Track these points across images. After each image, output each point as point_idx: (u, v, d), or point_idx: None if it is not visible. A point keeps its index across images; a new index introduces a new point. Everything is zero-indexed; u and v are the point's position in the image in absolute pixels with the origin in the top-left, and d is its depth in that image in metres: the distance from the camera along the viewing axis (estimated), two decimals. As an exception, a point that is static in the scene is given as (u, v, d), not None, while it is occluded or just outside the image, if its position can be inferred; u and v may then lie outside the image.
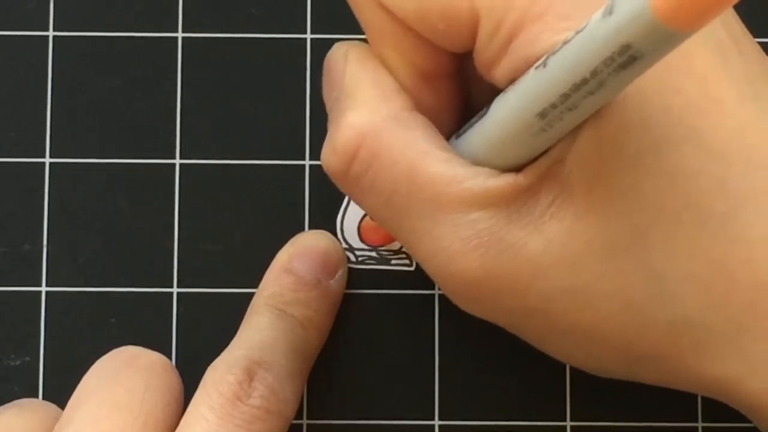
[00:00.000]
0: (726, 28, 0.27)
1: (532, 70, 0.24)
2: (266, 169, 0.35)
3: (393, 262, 0.35)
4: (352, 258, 0.35)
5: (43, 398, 0.34)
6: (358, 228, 0.35)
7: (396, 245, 0.35)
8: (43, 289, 0.35)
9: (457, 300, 0.28)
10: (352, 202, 0.35)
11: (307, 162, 0.35)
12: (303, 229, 0.35)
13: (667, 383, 0.29)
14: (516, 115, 0.25)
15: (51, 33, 0.35)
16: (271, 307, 0.32)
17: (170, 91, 0.35)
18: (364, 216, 0.35)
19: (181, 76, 0.35)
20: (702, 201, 0.26)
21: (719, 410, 0.33)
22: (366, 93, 0.28)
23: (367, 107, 0.27)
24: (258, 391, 0.30)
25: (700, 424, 0.34)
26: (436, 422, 0.34)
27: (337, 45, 0.29)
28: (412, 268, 0.35)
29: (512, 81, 0.26)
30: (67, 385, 0.34)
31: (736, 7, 0.27)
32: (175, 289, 0.35)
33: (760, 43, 0.28)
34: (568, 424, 0.34)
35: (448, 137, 0.28)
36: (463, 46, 0.27)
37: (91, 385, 0.30)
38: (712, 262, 0.26)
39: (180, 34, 0.35)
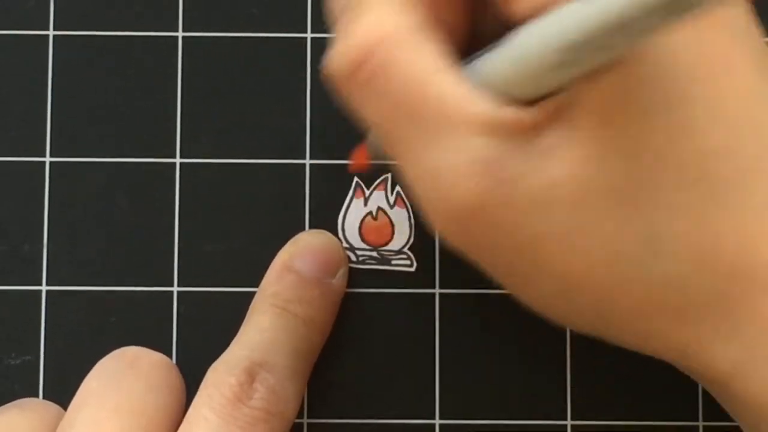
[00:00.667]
0: (746, 16, 0.27)
1: (574, 2, 0.24)
2: (266, 169, 0.35)
3: (394, 262, 0.35)
4: (353, 258, 0.35)
5: (44, 397, 0.34)
6: (359, 228, 0.35)
7: (397, 245, 0.35)
8: (43, 289, 0.35)
9: (443, 229, 0.27)
10: (352, 204, 0.35)
11: (307, 162, 0.35)
12: (303, 229, 0.35)
13: (637, 345, 0.28)
14: (537, 48, 0.24)
15: (51, 33, 0.35)
16: (272, 306, 0.32)
17: (170, 91, 0.35)
18: (366, 216, 0.35)
19: (181, 76, 0.35)
20: (706, 162, 0.26)
21: (719, 410, 0.33)
22: (385, 2, 0.27)
23: (386, 13, 0.26)
24: (259, 393, 0.30)
25: (700, 424, 0.34)
26: (437, 422, 0.34)
27: None
28: (412, 269, 0.35)
29: (530, 17, 0.25)
30: (67, 384, 0.34)
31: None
32: (175, 289, 0.35)
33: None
34: (568, 424, 0.34)
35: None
36: None
37: (92, 387, 0.30)
38: (704, 224, 0.26)
39: (180, 34, 0.35)
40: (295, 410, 0.31)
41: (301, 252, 0.33)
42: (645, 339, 0.28)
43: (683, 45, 0.25)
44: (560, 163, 0.25)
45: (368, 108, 0.27)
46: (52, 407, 0.31)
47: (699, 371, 0.28)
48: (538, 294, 0.28)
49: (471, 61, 0.27)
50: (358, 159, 0.34)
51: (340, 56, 0.27)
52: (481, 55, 0.27)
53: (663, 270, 0.26)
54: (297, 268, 0.33)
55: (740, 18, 0.27)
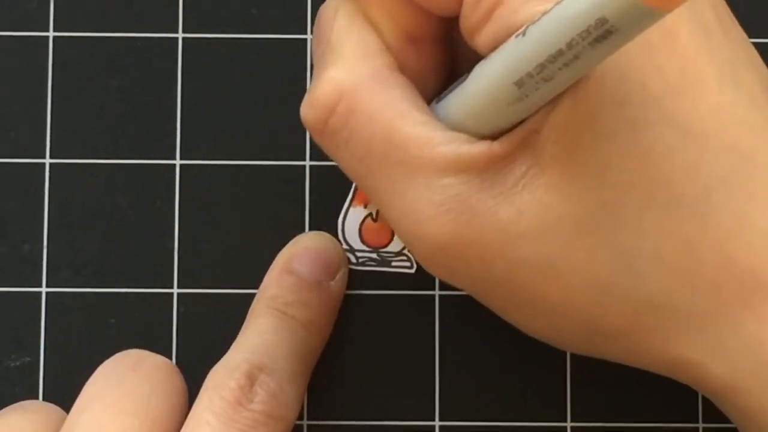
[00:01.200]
0: (713, 11, 0.27)
1: (512, 39, 0.24)
2: (266, 169, 0.35)
3: (393, 263, 0.35)
4: (353, 259, 0.35)
5: (43, 398, 0.34)
6: (359, 229, 0.35)
7: (397, 247, 0.35)
8: (43, 289, 0.35)
9: (424, 264, 0.28)
10: (353, 206, 0.35)
11: (307, 162, 0.35)
12: (303, 230, 0.35)
13: (629, 361, 0.29)
14: (494, 83, 0.25)
15: (51, 33, 0.35)
16: (272, 309, 0.32)
17: (170, 91, 0.35)
18: (366, 217, 0.35)
19: (181, 76, 0.35)
20: (674, 182, 0.26)
21: (720, 410, 0.33)
22: (350, 50, 0.28)
23: (349, 63, 0.27)
24: (259, 396, 0.30)
25: (700, 425, 0.34)
26: (436, 422, 0.34)
27: (329, 0, 0.29)
28: (412, 270, 0.35)
29: (494, 49, 0.26)
30: (67, 385, 0.34)
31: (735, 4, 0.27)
32: (175, 289, 0.35)
33: (759, 43, 0.28)
34: (568, 424, 0.34)
35: (430, 102, 0.28)
36: (450, 9, 0.27)
37: (95, 389, 0.30)
38: (680, 243, 0.26)
39: (180, 35, 0.35)
40: (295, 413, 0.31)
41: (300, 254, 0.34)
42: (637, 358, 0.28)
43: (639, 65, 0.25)
44: (529, 193, 0.26)
45: (339, 157, 0.28)
46: (55, 409, 0.31)
47: (695, 385, 0.28)
48: (521, 319, 0.29)
49: (443, 97, 0.28)
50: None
51: (309, 108, 0.28)
52: (452, 90, 0.27)
53: (643, 290, 0.26)
54: (296, 270, 0.33)
55: (704, 17, 0.27)
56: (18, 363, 0.34)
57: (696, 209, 0.26)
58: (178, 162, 0.35)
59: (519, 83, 0.24)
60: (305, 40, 0.35)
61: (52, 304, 0.35)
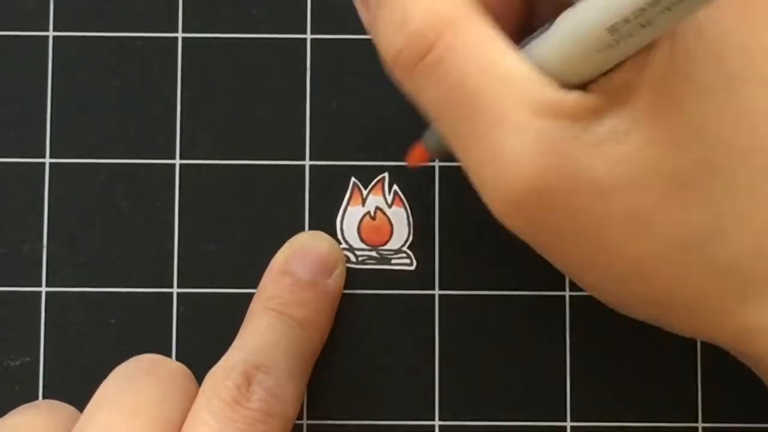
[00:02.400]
0: None
1: None
2: (266, 169, 0.35)
3: (393, 261, 0.35)
4: (353, 258, 0.35)
5: (43, 398, 0.34)
6: (358, 228, 0.35)
7: (396, 244, 0.35)
8: (43, 289, 0.35)
9: (504, 214, 0.27)
10: (350, 205, 0.35)
11: (307, 162, 0.35)
12: (303, 229, 0.35)
13: (695, 330, 0.28)
14: (585, 28, 0.24)
15: (51, 33, 0.35)
16: (269, 309, 0.32)
17: (170, 91, 0.35)
18: (364, 216, 0.35)
19: (181, 76, 0.35)
20: (767, 144, 0.25)
21: (719, 410, 0.33)
22: None
23: None
24: (257, 395, 0.29)
25: (700, 425, 0.34)
26: (436, 422, 0.34)
27: None
28: (412, 268, 0.35)
29: None
30: (67, 385, 0.34)
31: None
32: (175, 289, 0.35)
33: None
34: (568, 424, 0.34)
35: None
36: None
37: (109, 391, 0.30)
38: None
39: (180, 35, 0.35)
40: (295, 411, 0.31)
41: (297, 254, 0.34)
42: (705, 325, 0.27)
43: (736, 22, 0.25)
44: (623, 146, 0.25)
45: (430, 93, 0.27)
46: (69, 409, 0.31)
47: (758, 356, 0.27)
48: (598, 280, 0.28)
49: (525, 44, 0.27)
50: (415, 157, 0.33)
51: (402, 42, 0.26)
52: (534, 38, 0.27)
53: (728, 251, 0.26)
54: (293, 270, 0.33)
55: None
56: (18, 363, 0.34)
57: None
58: (178, 162, 0.35)
59: (612, 29, 0.23)
60: (305, 40, 0.35)
61: (51, 304, 0.35)
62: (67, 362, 0.34)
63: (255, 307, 0.33)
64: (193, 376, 0.31)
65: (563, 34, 0.25)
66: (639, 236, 0.26)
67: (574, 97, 0.25)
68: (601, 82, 0.25)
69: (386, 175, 0.35)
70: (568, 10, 0.25)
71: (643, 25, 0.23)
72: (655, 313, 0.28)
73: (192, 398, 0.30)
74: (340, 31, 0.35)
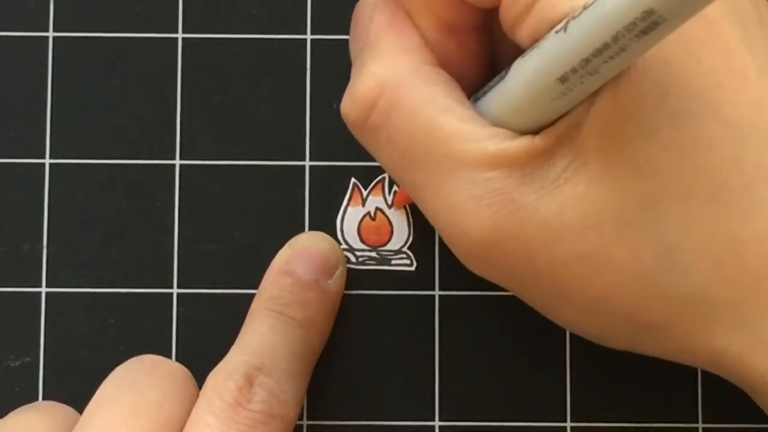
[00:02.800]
0: (750, 1, 0.27)
1: (552, 34, 0.24)
2: (266, 169, 0.35)
3: (393, 262, 0.35)
4: (353, 258, 0.35)
5: (43, 399, 0.34)
6: (358, 228, 0.35)
7: (396, 245, 0.35)
8: (43, 289, 0.35)
9: (464, 260, 0.28)
10: (350, 205, 0.35)
11: (307, 162, 0.35)
12: (303, 229, 0.35)
13: (668, 355, 0.29)
14: (536, 79, 0.25)
15: (51, 33, 0.35)
16: (269, 310, 0.32)
17: (170, 91, 0.35)
18: (364, 216, 0.35)
19: (181, 76, 0.35)
20: (716, 175, 0.26)
21: (719, 410, 0.33)
22: (389, 45, 0.28)
23: (389, 59, 0.27)
24: (258, 396, 0.30)
25: (700, 425, 0.34)
26: (436, 422, 0.34)
27: None
28: (412, 268, 0.35)
29: (534, 42, 0.25)
30: (67, 385, 0.34)
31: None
32: (175, 290, 0.35)
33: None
34: (568, 424, 0.34)
35: (470, 94, 0.28)
36: (490, 1, 0.27)
37: (109, 392, 0.30)
38: (723, 236, 0.26)
39: (180, 35, 0.35)
40: (296, 412, 0.31)
41: (298, 254, 0.34)
42: (678, 352, 0.28)
43: (681, 57, 0.25)
44: (571, 188, 0.26)
45: (380, 152, 0.28)
46: (68, 410, 0.31)
47: (735, 378, 0.28)
48: (562, 315, 0.29)
49: (482, 94, 0.28)
50: (400, 201, 0.35)
51: (350, 104, 0.28)
52: (489, 88, 0.27)
53: (685, 285, 0.26)
54: (294, 271, 0.33)
55: (743, 8, 0.26)
56: (18, 363, 0.34)
57: (739, 202, 0.26)
58: (178, 162, 0.35)
59: (562, 79, 0.24)
60: (305, 40, 0.35)
61: (51, 305, 0.35)
62: (67, 362, 0.34)
63: (255, 308, 0.33)
64: (192, 377, 0.31)
65: (515, 84, 0.26)
66: (592, 276, 0.26)
67: (519, 144, 0.26)
68: (554, 125, 0.26)
69: (386, 175, 0.35)
70: (519, 60, 0.26)
71: (590, 74, 0.24)
72: (628, 342, 0.29)
73: (192, 399, 0.30)
74: (340, 31, 0.35)
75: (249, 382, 0.30)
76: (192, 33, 0.35)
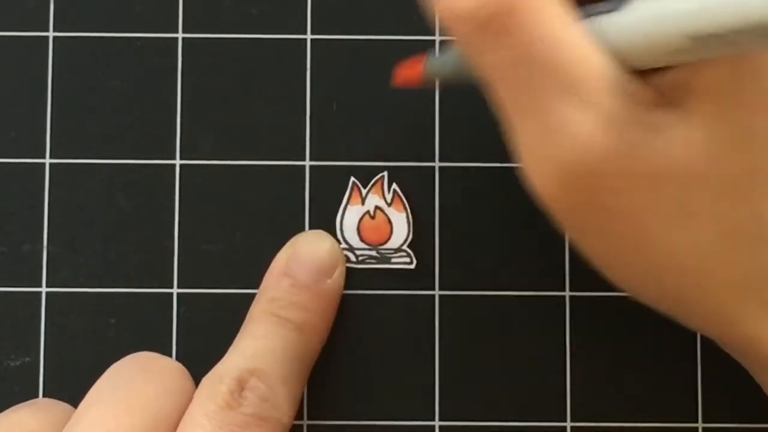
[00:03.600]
0: None
1: None
2: (266, 169, 0.35)
3: (393, 260, 0.35)
4: (353, 258, 0.35)
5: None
6: (358, 227, 0.35)
7: (396, 243, 0.35)
8: (43, 289, 0.35)
9: (550, 190, 0.27)
10: (350, 204, 0.35)
11: (307, 162, 0.35)
12: (303, 229, 0.35)
13: (717, 330, 0.28)
14: (666, 29, 0.24)
15: (51, 33, 0.35)
16: (268, 313, 0.32)
17: (170, 91, 0.35)
18: (364, 215, 0.35)
19: (181, 76, 0.35)
20: None
21: (719, 410, 0.33)
22: None
23: None
24: (248, 400, 0.30)
25: (700, 425, 0.34)
26: (436, 422, 0.34)
27: None
28: (412, 266, 0.35)
29: None
30: (67, 385, 0.34)
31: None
32: (175, 290, 0.35)
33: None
34: (568, 424, 0.34)
35: None
36: None
37: (104, 387, 0.30)
38: None
39: (180, 35, 0.35)
40: (290, 414, 0.31)
41: (297, 256, 0.34)
42: (728, 325, 0.28)
43: None
44: (683, 140, 0.25)
45: (496, 56, 0.26)
46: (65, 407, 0.31)
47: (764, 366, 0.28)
48: (630, 271, 0.28)
49: (587, 16, 0.26)
50: (408, 74, 0.33)
51: (473, 2, 0.26)
52: (599, 12, 0.26)
53: (760, 257, 0.26)
54: (293, 272, 0.33)
55: None
56: (18, 363, 0.34)
57: None
58: (178, 162, 0.35)
59: (696, 38, 0.23)
60: (305, 40, 0.35)
61: (51, 304, 0.35)
62: (67, 362, 0.34)
63: (255, 311, 0.33)
64: (189, 374, 0.31)
65: (642, 24, 0.25)
66: (687, 228, 0.26)
67: (637, 86, 0.25)
68: (666, 76, 0.25)
69: (385, 174, 0.35)
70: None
71: (727, 44, 0.23)
72: (681, 309, 0.28)
73: (188, 396, 0.30)
74: (340, 31, 0.35)
75: (240, 386, 0.30)
76: (192, 33, 0.35)
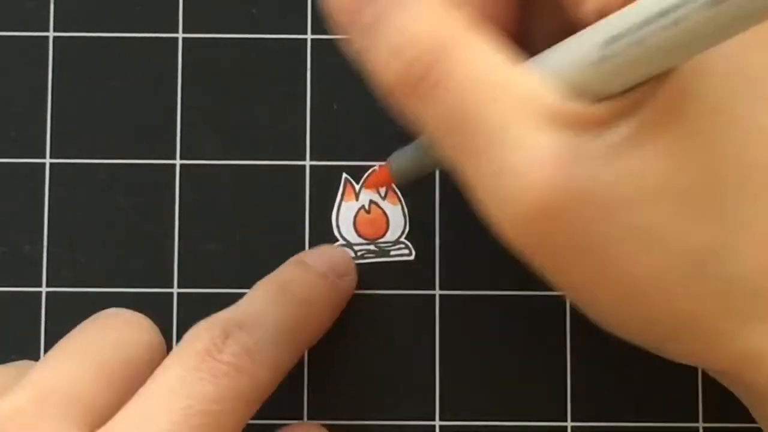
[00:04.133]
0: None
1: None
2: (266, 169, 0.35)
3: (392, 252, 0.35)
4: (351, 254, 0.35)
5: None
6: (354, 222, 0.35)
7: (394, 236, 0.35)
8: (43, 289, 0.35)
9: (511, 232, 0.26)
10: (344, 200, 0.35)
11: (308, 162, 0.35)
12: (303, 229, 0.35)
13: (691, 354, 0.28)
14: (582, 44, 0.24)
15: (51, 33, 0.35)
16: (272, 284, 0.32)
17: (170, 91, 0.35)
18: (359, 210, 0.35)
19: (181, 76, 0.35)
20: None
21: (720, 410, 0.33)
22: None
23: (436, 11, 0.25)
24: (230, 348, 0.29)
25: (700, 425, 0.34)
26: (437, 422, 0.34)
27: None
28: (411, 257, 0.35)
29: (595, 18, 0.25)
30: (67, 385, 0.33)
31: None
32: (175, 290, 0.35)
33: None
34: (569, 424, 0.34)
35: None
36: None
37: (61, 341, 0.31)
38: None
39: (180, 35, 0.35)
40: (270, 380, 0.30)
41: (314, 250, 0.34)
42: (704, 347, 0.27)
43: (756, 42, 0.25)
44: (633, 160, 0.24)
45: (431, 115, 0.26)
46: (27, 363, 0.32)
47: (753, 382, 0.27)
48: (600, 300, 0.27)
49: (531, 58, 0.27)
50: (378, 180, 0.34)
51: (397, 68, 0.26)
52: (544, 52, 0.26)
53: (734, 271, 0.25)
54: (307, 261, 0.33)
55: None
56: (18, 363, 0.34)
57: None
58: (178, 162, 0.35)
59: (608, 43, 0.24)
60: (305, 40, 0.35)
61: (51, 304, 0.35)
62: (67, 362, 0.34)
63: (259, 282, 0.33)
64: (156, 328, 0.31)
65: (580, 50, 0.25)
66: (647, 253, 0.25)
67: (580, 106, 0.25)
68: (613, 98, 0.25)
69: (377, 167, 0.35)
70: (589, 28, 0.25)
71: (635, 44, 0.23)
72: (656, 336, 0.28)
73: (149, 347, 0.30)
74: (340, 31, 0.35)
75: (225, 335, 0.29)
76: (192, 33, 0.35)
